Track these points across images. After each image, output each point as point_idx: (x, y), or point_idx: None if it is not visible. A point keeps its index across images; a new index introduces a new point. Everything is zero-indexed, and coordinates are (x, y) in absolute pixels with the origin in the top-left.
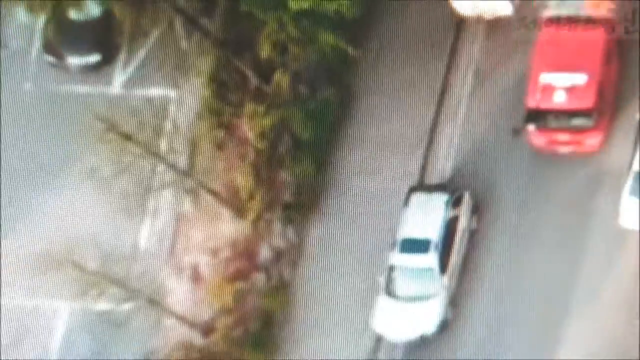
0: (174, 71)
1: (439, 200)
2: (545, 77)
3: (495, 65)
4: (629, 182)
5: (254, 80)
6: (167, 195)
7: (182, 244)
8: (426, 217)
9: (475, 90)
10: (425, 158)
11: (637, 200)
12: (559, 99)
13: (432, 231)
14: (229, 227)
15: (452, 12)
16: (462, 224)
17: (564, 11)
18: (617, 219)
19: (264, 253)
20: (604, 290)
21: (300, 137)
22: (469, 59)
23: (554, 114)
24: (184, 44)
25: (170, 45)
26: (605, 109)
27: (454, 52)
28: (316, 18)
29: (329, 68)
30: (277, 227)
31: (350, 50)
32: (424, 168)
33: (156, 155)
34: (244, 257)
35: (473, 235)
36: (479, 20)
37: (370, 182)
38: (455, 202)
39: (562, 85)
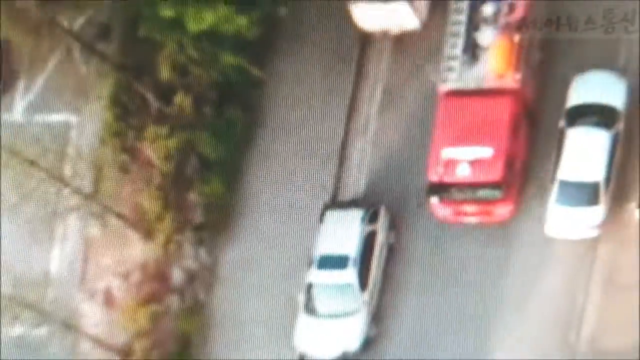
0: (74, 96)
1: (355, 215)
2: (448, 152)
3: (404, 79)
4: (554, 191)
5: (155, 103)
6: (75, 220)
7: (93, 268)
8: (343, 233)
9: (385, 105)
10: (338, 174)
11: (563, 208)
12: (463, 173)
13: (350, 247)
14: (138, 250)
15: (356, 28)
16: (380, 238)
17: (466, 84)
18: (543, 228)
19: (177, 275)
20: (533, 302)
21: (208, 157)
22: (376, 74)
23: (458, 186)
24: (83, 69)
25: (69, 70)
26: (514, 179)
27: (361, 67)
28: (216, 39)
29: (233, 88)
30: (188, 248)
31: (253, 69)
32: (337, 184)
33: (60, 180)
34: (156, 279)
35: (392, 250)
36: (385, 35)
37: (283, 199)
38: (372, 218)
39: (465, 159)
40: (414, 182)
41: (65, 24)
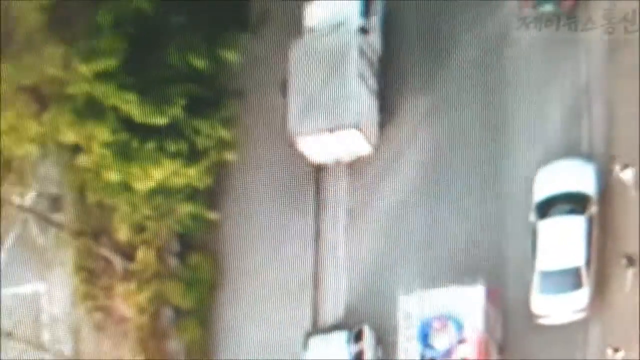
0: (38, 266)
1: (339, 338)
2: None
3: (365, 199)
4: (536, 281)
5: (119, 262)
6: None
7: None
8: (329, 357)
9: (350, 226)
10: (315, 300)
11: (547, 296)
12: None
13: None
14: None
15: (308, 160)
16: (368, 356)
17: None
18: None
19: None
20: None
21: (180, 305)
22: (336, 199)
23: None
24: (41, 240)
25: (28, 243)
26: None
27: (319, 194)
28: (168, 192)
29: (192, 235)
30: None
31: (209, 214)
32: (316, 311)
33: (40, 347)
34: None
35: None
36: (338, 163)
37: (263, 334)
38: (356, 337)
39: None
40: (392, 295)
41: (17, 200)
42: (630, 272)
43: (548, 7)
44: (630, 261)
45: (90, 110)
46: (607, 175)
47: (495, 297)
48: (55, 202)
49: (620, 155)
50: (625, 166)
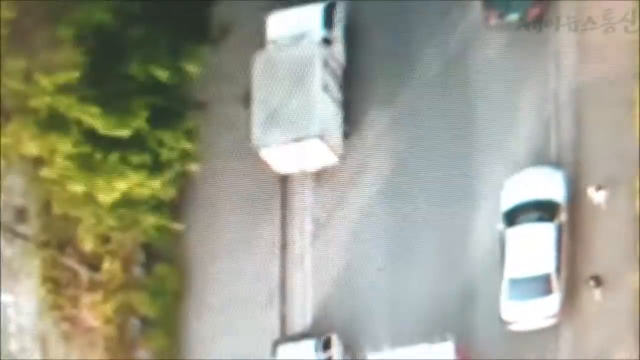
0: (5, 278)
1: (307, 347)
2: None
3: (331, 207)
4: (505, 289)
5: (84, 272)
6: None
7: None
8: None
9: (317, 236)
10: (283, 309)
11: (517, 303)
12: None
13: None
14: None
15: (273, 171)
16: None
17: None
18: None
19: None
20: None
21: (147, 314)
22: (303, 208)
23: None
24: (7, 251)
25: None
26: None
27: (285, 204)
28: (132, 203)
29: (157, 245)
30: None
31: (175, 225)
32: (283, 320)
33: (8, 356)
34: None
35: None
36: (303, 173)
37: (231, 343)
38: (325, 345)
39: None
40: (361, 302)
41: None
42: (598, 292)
43: (514, 17)
44: (598, 282)
45: (53, 123)
46: (575, 183)
47: (464, 351)
48: (21, 214)
49: (589, 164)
50: (599, 188)
